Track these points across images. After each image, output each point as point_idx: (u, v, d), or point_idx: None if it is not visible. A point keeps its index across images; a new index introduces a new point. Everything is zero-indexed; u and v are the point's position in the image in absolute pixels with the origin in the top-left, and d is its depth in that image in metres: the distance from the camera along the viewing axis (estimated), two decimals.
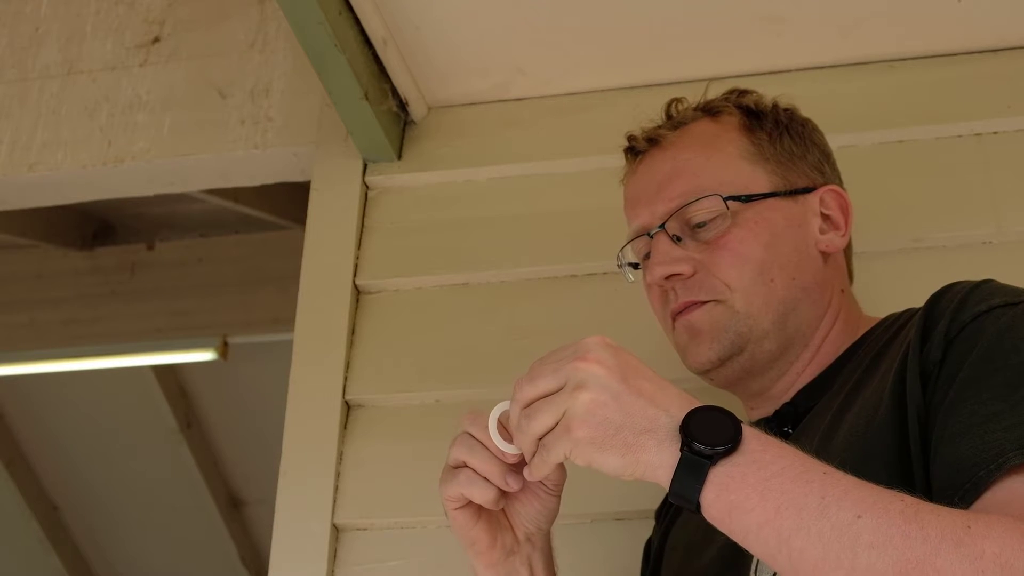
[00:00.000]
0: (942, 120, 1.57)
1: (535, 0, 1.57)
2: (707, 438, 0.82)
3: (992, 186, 1.51)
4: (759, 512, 0.79)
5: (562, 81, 1.71)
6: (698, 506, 0.82)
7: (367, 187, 1.74)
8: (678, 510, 1.23)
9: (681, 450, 0.82)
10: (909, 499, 0.77)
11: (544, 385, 0.89)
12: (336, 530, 1.54)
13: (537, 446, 0.89)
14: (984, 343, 0.90)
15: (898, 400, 0.94)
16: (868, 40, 1.60)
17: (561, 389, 0.87)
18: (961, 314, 0.94)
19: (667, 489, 0.83)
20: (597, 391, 0.85)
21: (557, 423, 0.87)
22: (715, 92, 1.28)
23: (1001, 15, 1.56)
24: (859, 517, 0.76)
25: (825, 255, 1.17)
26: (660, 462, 0.83)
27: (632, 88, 1.69)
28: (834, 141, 1.56)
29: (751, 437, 0.84)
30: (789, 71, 1.65)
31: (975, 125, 1.56)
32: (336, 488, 1.54)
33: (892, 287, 1.34)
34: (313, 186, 1.76)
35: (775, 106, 1.23)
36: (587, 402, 0.85)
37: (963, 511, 0.78)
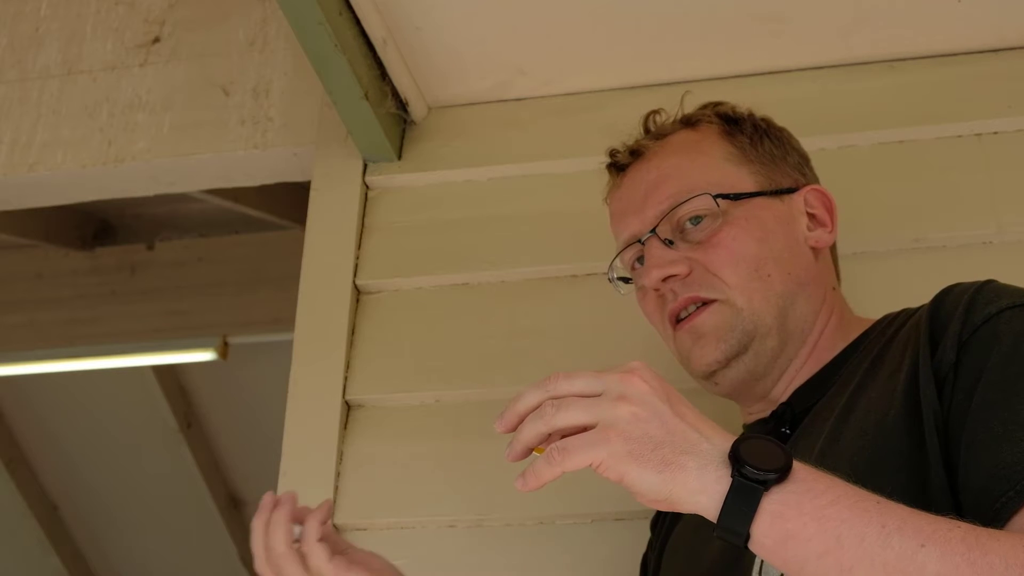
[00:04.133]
0: (942, 120, 1.57)
1: (535, 0, 1.57)
2: (758, 463, 0.79)
3: (992, 186, 1.51)
4: (818, 541, 0.77)
5: (562, 81, 1.71)
6: (747, 538, 0.79)
7: (367, 187, 1.74)
8: (675, 519, 1.22)
9: (732, 476, 0.79)
10: (966, 525, 0.76)
11: (582, 385, 0.85)
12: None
13: (541, 445, 0.85)
14: (1002, 347, 0.90)
15: (911, 403, 0.94)
16: (868, 40, 1.60)
17: (601, 396, 0.84)
18: (972, 316, 0.94)
19: (712, 518, 0.80)
20: (640, 405, 0.83)
21: (586, 428, 0.83)
22: (720, 93, 1.28)
23: (1001, 15, 1.56)
24: (922, 546, 0.75)
25: (815, 251, 1.18)
26: (702, 487, 0.80)
27: (632, 88, 1.69)
28: (834, 141, 1.57)
29: (801, 466, 0.81)
30: (789, 71, 1.65)
31: (975, 125, 1.56)
32: (336, 488, 1.54)
33: (892, 287, 1.34)
34: (313, 186, 1.76)
35: (751, 114, 1.25)
36: (629, 414, 0.82)
37: (1020, 535, 0.77)
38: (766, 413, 1.14)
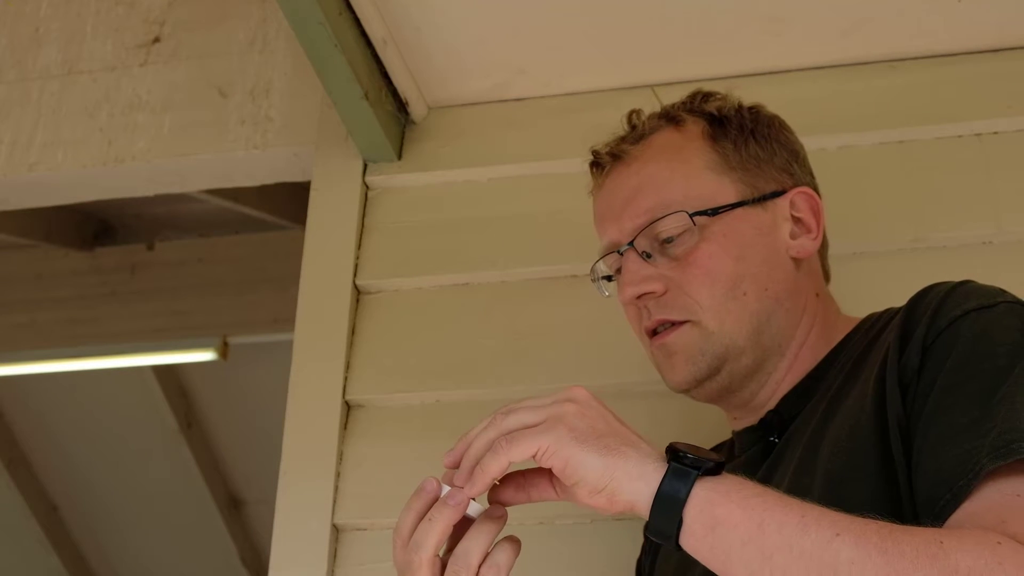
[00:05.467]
0: (942, 120, 1.57)
1: (535, 0, 1.57)
2: (693, 453, 0.85)
3: (992, 186, 1.51)
4: (743, 528, 0.81)
5: (562, 81, 1.71)
6: (679, 525, 0.84)
7: (367, 187, 1.74)
8: None
9: (669, 462, 0.85)
10: (882, 521, 0.80)
11: (531, 402, 0.91)
12: (336, 530, 1.54)
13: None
14: (959, 350, 0.91)
15: (879, 408, 0.94)
16: (868, 40, 1.60)
17: (549, 404, 0.90)
18: (938, 319, 0.94)
19: (647, 505, 0.85)
20: (585, 406, 0.89)
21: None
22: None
23: (1001, 15, 1.56)
24: (838, 535, 0.78)
25: (797, 261, 1.15)
26: (641, 474, 0.85)
27: (632, 88, 1.68)
28: (834, 141, 1.57)
29: (729, 471, 0.87)
30: (789, 71, 1.65)
31: (975, 125, 1.56)
32: (336, 488, 1.54)
33: (892, 287, 1.33)
34: (313, 186, 1.76)
35: (739, 109, 1.20)
36: (575, 409, 0.88)
37: (935, 528, 0.80)
38: (755, 421, 1.14)
